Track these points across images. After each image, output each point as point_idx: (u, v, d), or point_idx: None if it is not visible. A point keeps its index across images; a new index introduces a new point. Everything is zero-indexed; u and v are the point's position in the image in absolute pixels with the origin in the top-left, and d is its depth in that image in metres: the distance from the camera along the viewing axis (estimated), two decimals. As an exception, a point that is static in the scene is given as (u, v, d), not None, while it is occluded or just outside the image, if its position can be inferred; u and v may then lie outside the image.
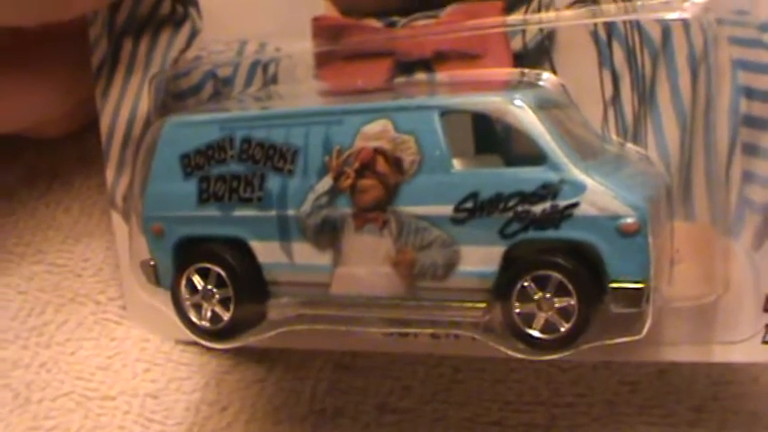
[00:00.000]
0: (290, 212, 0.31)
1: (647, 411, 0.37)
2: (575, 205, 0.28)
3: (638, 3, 0.31)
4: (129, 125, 0.39)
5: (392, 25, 0.34)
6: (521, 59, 0.32)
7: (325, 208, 0.31)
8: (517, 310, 0.29)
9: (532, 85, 0.32)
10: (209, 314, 0.33)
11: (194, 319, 0.33)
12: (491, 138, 0.31)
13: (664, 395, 0.37)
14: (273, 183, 0.31)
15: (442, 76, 0.33)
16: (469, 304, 0.30)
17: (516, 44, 0.32)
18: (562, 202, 0.28)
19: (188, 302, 0.33)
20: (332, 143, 0.30)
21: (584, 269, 0.28)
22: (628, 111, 0.32)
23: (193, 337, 0.34)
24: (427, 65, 0.34)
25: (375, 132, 0.30)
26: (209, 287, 0.33)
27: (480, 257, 0.29)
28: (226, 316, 0.33)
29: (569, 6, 0.32)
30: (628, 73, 0.31)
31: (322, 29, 0.35)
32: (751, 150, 0.31)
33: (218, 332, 0.33)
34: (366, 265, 0.30)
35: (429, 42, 0.33)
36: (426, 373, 0.39)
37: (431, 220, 0.29)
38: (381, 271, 0.30)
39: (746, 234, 0.31)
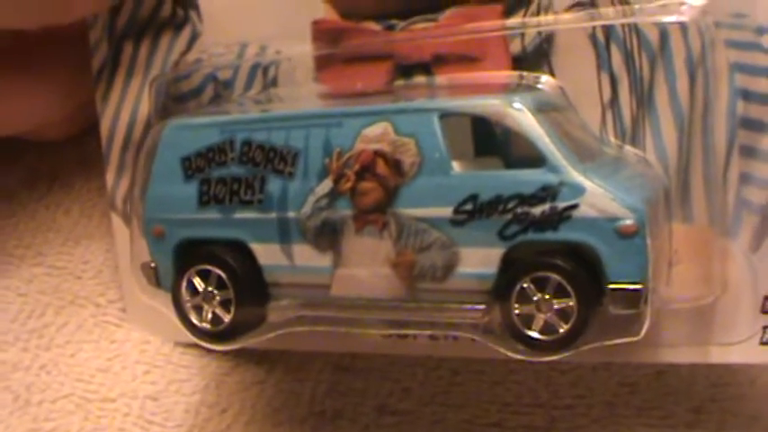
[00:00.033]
0: (291, 215, 0.31)
1: (646, 413, 0.37)
2: (573, 207, 0.28)
3: (636, 6, 0.31)
4: (130, 128, 0.39)
5: (391, 28, 0.34)
6: (519, 62, 0.33)
7: (325, 210, 0.31)
8: (516, 312, 0.29)
9: (531, 88, 0.32)
10: (209, 316, 0.33)
11: (195, 320, 0.33)
12: (490, 140, 0.31)
13: (662, 397, 0.37)
14: (274, 185, 0.32)
15: (441, 79, 0.33)
16: (469, 306, 0.30)
17: (515, 47, 0.33)
18: (561, 204, 0.28)
19: (189, 304, 0.33)
20: (332, 146, 0.31)
21: (583, 271, 0.28)
22: (626, 113, 0.32)
23: (194, 339, 0.34)
24: (426, 68, 0.34)
25: (375, 135, 0.30)
26: (210, 289, 0.33)
27: (480, 259, 0.29)
28: (226, 318, 0.33)
29: (568, 10, 0.32)
30: (626, 76, 0.32)
31: (322, 32, 0.35)
32: (748, 152, 0.31)
33: (219, 334, 0.33)
34: (366, 266, 0.31)
35: (428, 45, 0.33)
36: (425, 375, 0.39)
37: (430, 222, 0.29)
38: (381, 272, 0.30)
39: (744, 235, 0.31)
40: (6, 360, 0.41)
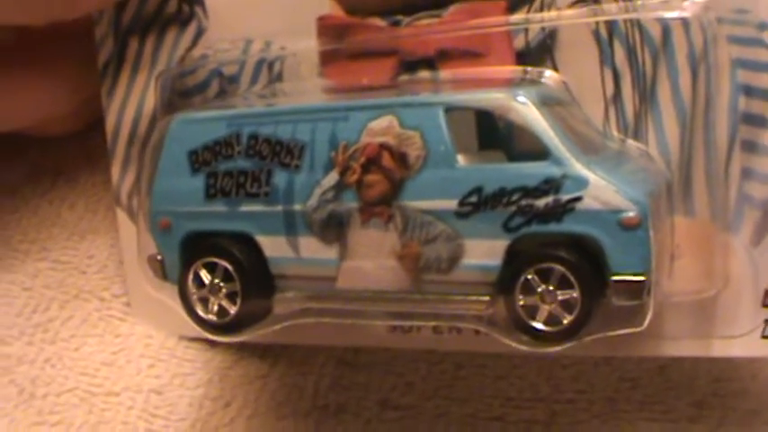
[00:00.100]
0: (297, 207, 0.32)
1: (648, 407, 0.37)
2: (577, 199, 0.28)
3: (639, 2, 0.31)
4: (135, 123, 0.39)
5: (396, 24, 0.34)
6: (523, 58, 0.33)
7: (331, 203, 0.31)
8: (521, 303, 0.29)
9: (535, 82, 0.32)
10: (215, 308, 0.33)
11: (201, 313, 0.34)
12: (494, 134, 0.31)
13: (664, 391, 0.37)
14: (280, 178, 0.32)
15: (445, 74, 0.34)
16: (473, 297, 0.30)
17: (519, 43, 0.33)
18: (565, 197, 0.28)
19: (195, 296, 0.34)
20: (338, 139, 0.31)
21: (587, 262, 0.28)
22: (629, 108, 0.32)
23: (198, 332, 0.34)
24: (431, 63, 0.34)
25: (381, 128, 0.30)
26: (217, 281, 0.33)
27: (484, 251, 0.29)
28: (232, 310, 0.33)
29: (571, 6, 0.32)
30: (629, 71, 0.32)
31: (327, 28, 0.35)
32: (750, 147, 0.31)
33: (225, 326, 0.33)
34: (372, 259, 0.31)
35: (433, 41, 0.34)
36: (428, 370, 0.40)
37: (436, 215, 0.30)
38: (387, 265, 0.31)
39: (746, 230, 0.31)
40: (11, 354, 0.41)
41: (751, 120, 0.31)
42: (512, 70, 0.33)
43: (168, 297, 0.35)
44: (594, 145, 0.31)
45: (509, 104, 0.29)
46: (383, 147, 0.30)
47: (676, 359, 0.37)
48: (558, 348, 0.29)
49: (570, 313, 0.29)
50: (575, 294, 0.28)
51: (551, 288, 0.29)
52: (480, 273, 0.30)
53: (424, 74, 0.34)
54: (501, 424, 0.38)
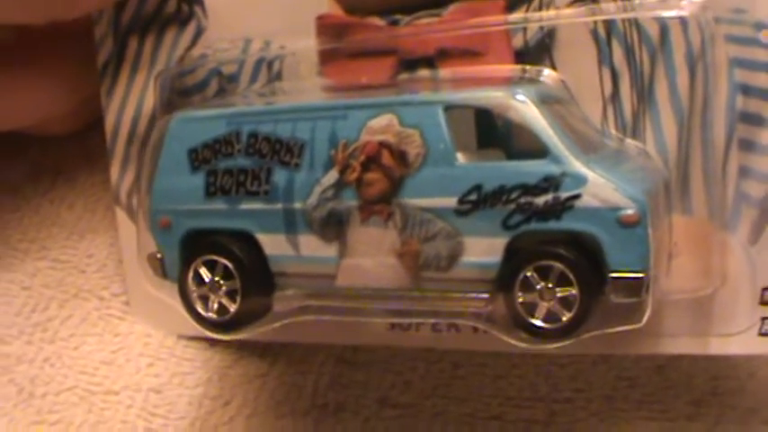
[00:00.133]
0: (297, 205, 0.32)
1: (646, 406, 0.37)
2: (576, 197, 0.28)
3: (637, 1, 0.31)
4: (134, 122, 0.39)
5: (395, 23, 0.35)
6: (522, 57, 0.33)
7: (331, 201, 0.31)
8: (520, 300, 0.29)
9: (534, 81, 0.32)
10: (215, 306, 0.33)
11: (201, 310, 0.34)
12: (493, 132, 0.31)
13: (662, 390, 0.37)
14: (280, 176, 0.32)
15: (444, 72, 0.34)
16: (473, 295, 0.30)
17: (517, 42, 0.33)
18: (564, 194, 0.28)
19: (195, 294, 0.34)
20: (338, 137, 0.31)
21: (586, 259, 0.28)
22: (627, 107, 0.32)
23: (197, 331, 0.34)
24: (430, 62, 0.34)
25: (381, 126, 0.30)
26: (216, 279, 0.33)
27: (483, 248, 0.29)
28: (232, 307, 0.33)
29: (569, 5, 0.32)
30: (627, 70, 0.32)
31: (326, 27, 0.35)
32: (747, 146, 0.31)
33: (225, 323, 0.33)
34: (371, 256, 0.31)
35: (432, 40, 0.34)
36: (427, 369, 0.40)
37: (435, 212, 0.30)
38: (386, 262, 0.31)
39: (743, 228, 0.31)
40: (11, 353, 0.41)
41: (748, 119, 0.31)
42: (511, 69, 0.33)
43: (167, 296, 0.35)
44: (593, 143, 0.31)
45: (508, 103, 0.29)
46: (383, 145, 0.30)
47: (674, 358, 0.37)
48: (556, 345, 0.29)
49: (569, 310, 0.29)
50: (573, 291, 0.29)
51: (550, 285, 0.29)
52: (480, 270, 0.30)
53: (424, 73, 0.34)
54: (499, 423, 0.38)
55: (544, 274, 0.29)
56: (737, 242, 0.31)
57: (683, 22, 0.31)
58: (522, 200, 0.29)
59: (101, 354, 0.41)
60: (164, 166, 0.34)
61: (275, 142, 0.32)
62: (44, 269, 0.44)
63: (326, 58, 0.36)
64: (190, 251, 0.34)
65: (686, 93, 0.31)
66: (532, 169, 0.29)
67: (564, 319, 0.29)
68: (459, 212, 0.29)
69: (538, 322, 0.29)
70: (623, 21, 0.32)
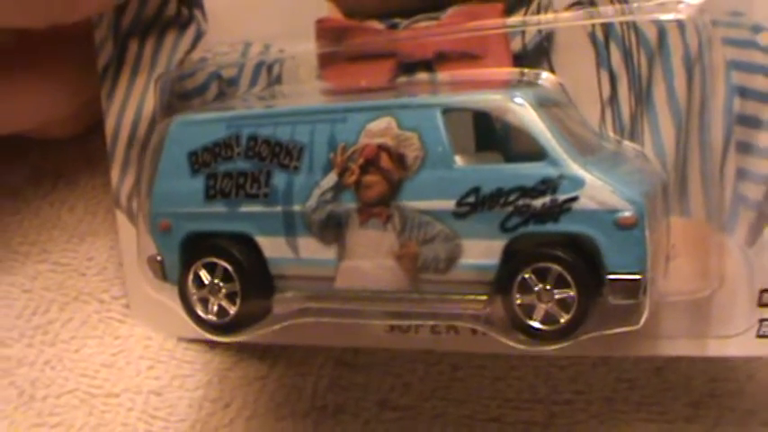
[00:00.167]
0: (296, 208, 0.32)
1: (645, 408, 0.37)
2: (574, 199, 0.28)
3: (635, 4, 0.31)
4: (134, 126, 0.39)
5: (394, 27, 0.35)
6: (520, 60, 0.33)
7: (330, 203, 0.31)
8: (518, 302, 0.29)
9: (532, 84, 0.32)
10: (215, 308, 0.34)
11: (201, 313, 0.34)
12: (491, 135, 0.31)
13: (661, 392, 0.37)
14: (279, 179, 0.32)
15: (443, 75, 0.34)
16: (471, 297, 0.30)
17: (516, 45, 0.33)
18: (561, 197, 0.28)
19: (195, 297, 0.34)
20: (337, 140, 0.31)
21: (583, 261, 0.29)
22: (625, 110, 0.32)
23: (199, 333, 0.34)
24: (429, 66, 0.34)
25: (379, 129, 0.31)
26: (216, 281, 0.33)
27: (482, 251, 0.30)
28: (232, 310, 0.33)
29: (568, 8, 0.32)
30: (625, 73, 0.32)
31: (325, 30, 0.35)
32: (745, 148, 0.31)
33: (225, 326, 0.33)
34: (370, 259, 0.31)
35: (431, 43, 0.34)
36: (426, 371, 0.40)
37: (434, 215, 0.30)
38: (385, 265, 0.31)
39: (741, 230, 0.31)
40: (11, 356, 0.42)
41: (746, 121, 0.31)
42: (509, 72, 0.33)
43: (167, 298, 0.35)
44: (591, 146, 0.31)
45: (506, 106, 0.29)
46: (381, 148, 0.30)
47: (673, 359, 0.37)
48: (554, 347, 0.29)
49: (567, 312, 0.29)
50: (571, 293, 0.29)
51: (548, 287, 0.29)
52: (478, 272, 0.30)
53: (422, 76, 0.34)
54: (499, 425, 0.38)
55: (542, 275, 0.29)
56: (735, 244, 0.31)
57: (680, 25, 0.31)
58: (520, 202, 0.29)
59: (101, 356, 0.41)
60: (164, 169, 0.34)
61: (275, 145, 0.32)
62: (45, 272, 0.44)
63: (326, 61, 0.36)
64: (190, 254, 0.34)
65: (684, 95, 0.31)
66: (530, 172, 0.29)
67: (562, 320, 0.29)
68: (458, 215, 0.30)
69: (536, 324, 0.29)
70: (621, 24, 0.32)
